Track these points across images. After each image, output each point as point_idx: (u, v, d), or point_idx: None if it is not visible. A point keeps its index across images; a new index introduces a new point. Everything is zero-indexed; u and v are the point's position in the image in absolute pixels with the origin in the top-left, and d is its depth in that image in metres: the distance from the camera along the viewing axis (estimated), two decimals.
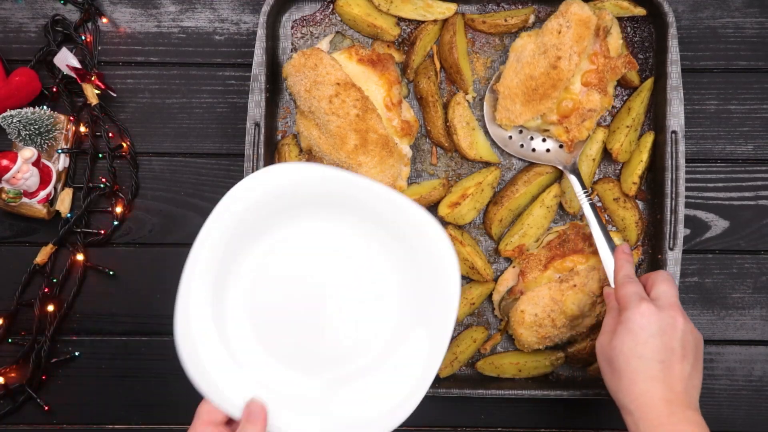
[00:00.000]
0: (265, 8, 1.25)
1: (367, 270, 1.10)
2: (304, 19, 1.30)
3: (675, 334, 1.05)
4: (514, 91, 1.20)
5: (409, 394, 1.06)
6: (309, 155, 1.27)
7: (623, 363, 1.05)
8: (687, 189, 1.31)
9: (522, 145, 1.26)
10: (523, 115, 1.20)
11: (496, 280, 1.29)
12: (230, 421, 1.07)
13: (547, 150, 1.25)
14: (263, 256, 1.09)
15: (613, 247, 1.19)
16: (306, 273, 1.09)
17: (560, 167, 1.24)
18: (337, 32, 1.30)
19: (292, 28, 1.30)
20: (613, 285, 1.17)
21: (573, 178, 1.23)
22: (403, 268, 1.09)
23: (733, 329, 1.32)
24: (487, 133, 1.29)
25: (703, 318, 1.32)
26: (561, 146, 1.25)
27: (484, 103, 1.27)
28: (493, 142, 1.28)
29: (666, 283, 1.11)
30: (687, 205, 1.31)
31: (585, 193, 1.22)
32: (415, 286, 1.09)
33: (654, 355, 1.04)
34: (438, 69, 1.28)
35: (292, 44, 1.30)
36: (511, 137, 1.26)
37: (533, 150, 1.26)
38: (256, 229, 1.07)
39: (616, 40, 1.22)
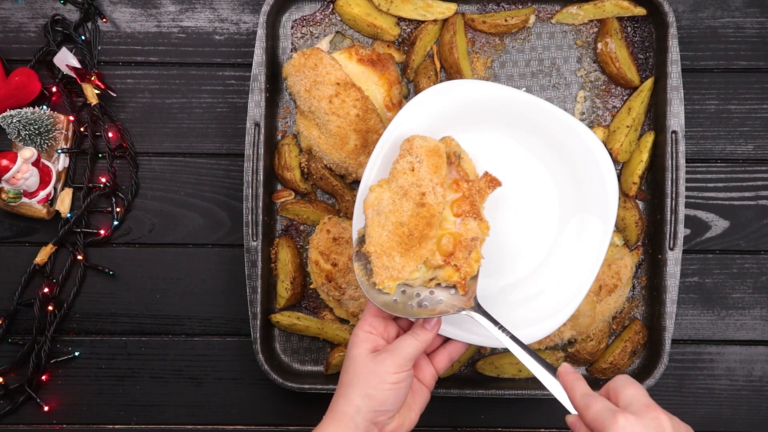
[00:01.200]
0: (265, 8, 1.25)
1: (533, 180, 1.17)
2: (304, 19, 1.30)
3: None
4: (387, 245, 1.04)
5: (575, 291, 1.14)
6: (309, 155, 1.27)
7: None
8: (687, 189, 1.31)
9: (411, 305, 1.07)
10: (406, 266, 1.04)
11: None
12: (396, 318, 1.11)
13: (440, 300, 1.07)
14: None
15: (553, 372, 1.02)
16: None
17: (463, 312, 1.06)
18: (337, 32, 1.30)
19: (292, 27, 1.30)
20: (573, 411, 0.99)
21: (480, 318, 1.06)
22: (563, 178, 1.16)
23: (734, 329, 1.32)
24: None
25: (703, 318, 1.32)
26: (453, 290, 1.08)
27: (356, 275, 1.08)
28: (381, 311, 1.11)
29: (632, 387, 0.98)
30: (687, 205, 1.31)
31: (499, 328, 1.06)
32: (575, 192, 1.16)
33: None
34: (438, 69, 1.28)
35: (292, 44, 1.30)
36: (396, 300, 1.07)
37: (425, 305, 1.07)
38: (436, 132, 1.13)
39: (468, 163, 1.13)
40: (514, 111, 1.14)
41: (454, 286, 1.07)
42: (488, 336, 1.10)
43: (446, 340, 1.14)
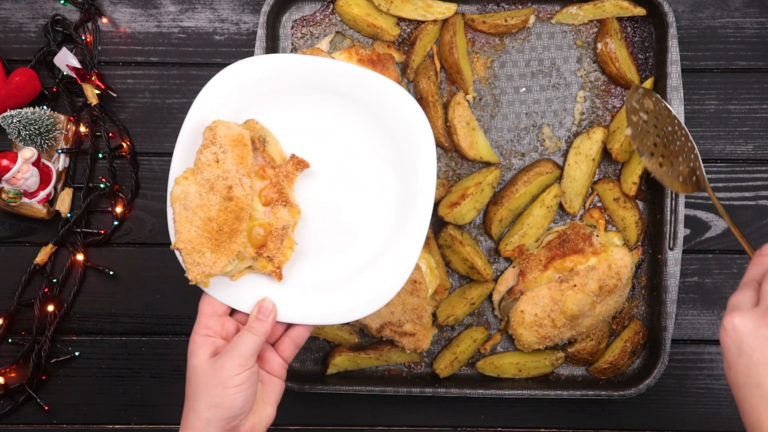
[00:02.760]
0: (265, 8, 1.25)
1: (358, 151, 1.10)
2: (304, 19, 1.30)
3: None
4: (197, 241, 1.02)
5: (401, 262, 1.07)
6: None
7: (755, 379, 0.85)
8: None
9: None
10: (218, 262, 1.02)
11: (495, 280, 1.29)
12: (233, 311, 1.08)
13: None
14: None
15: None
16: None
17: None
18: (337, 32, 1.30)
19: (292, 28, 1.30)
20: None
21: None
22: (382, 142, 1.09)
23: None
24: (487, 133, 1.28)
25: (703, 318, 1.32)
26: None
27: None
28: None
29: None
30: (687, 205, 1.31)
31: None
32: (394, 152, 1.09)
33: None
34: (438, 69, 1.29)
35: (292, 44, 1.30)
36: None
37: None
38: (240, 113, 1.08)
39: (275, 146, 1.09)
40: (320, 80, 1.08)
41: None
42: (328, 315, 1.07)
43: (289, 326, 1.09)
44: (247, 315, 1.07)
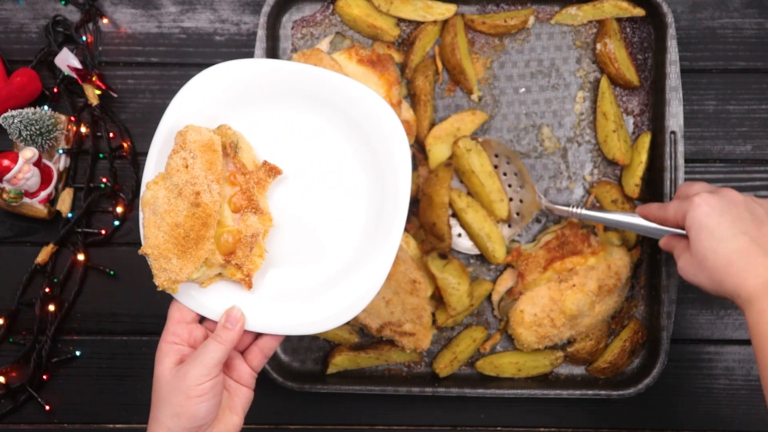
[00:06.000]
0: (266, 9, 1.26)
1: (335, 158, 1.08)
2: (304, 20, 1.31)
3: (738, 206, 1.04)
4: (164, 246, 1.01)
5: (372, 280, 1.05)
6: None
7: (712, 257, 1.03)
8: None
9: None
10: (184, 268, 1.01)
11: (494, 281, 1.29)
12: (203, 319, 1.06)
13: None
14: None
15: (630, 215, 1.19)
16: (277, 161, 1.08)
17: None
18: (337, 33, 1.30)
19: (293, 28, 1.31)
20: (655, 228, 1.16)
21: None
22: (359, 150, 1.07)
23: (732, 329, 1.32)
24: None
25: (702, 318, 1.32)
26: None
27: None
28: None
29: (696, 183, 1.11)
30: None
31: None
32: (374, 171, 1.07)
33: (732, 230, 1.02)
34: (441, 70, 1.29)
35: (292, 45, 1.31)
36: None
37: None
38: (216, 117, 1.07)
39: (248, 152, 1.08)
40: (297, 85, 1.06)
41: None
42: (297, 325, 1.05)
43: (258, 335, 1.07)
44: (216, 323, 1.04)
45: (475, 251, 1.28)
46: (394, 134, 1.05)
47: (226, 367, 1.05)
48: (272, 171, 1.06)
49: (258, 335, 1.07)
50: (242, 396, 1.06)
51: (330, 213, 1.08)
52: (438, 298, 1.28)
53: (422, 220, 1.25)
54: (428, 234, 1.25)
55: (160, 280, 1.01)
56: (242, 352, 1.07)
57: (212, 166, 1.02)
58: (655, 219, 1.15)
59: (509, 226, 1.27)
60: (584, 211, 1.21)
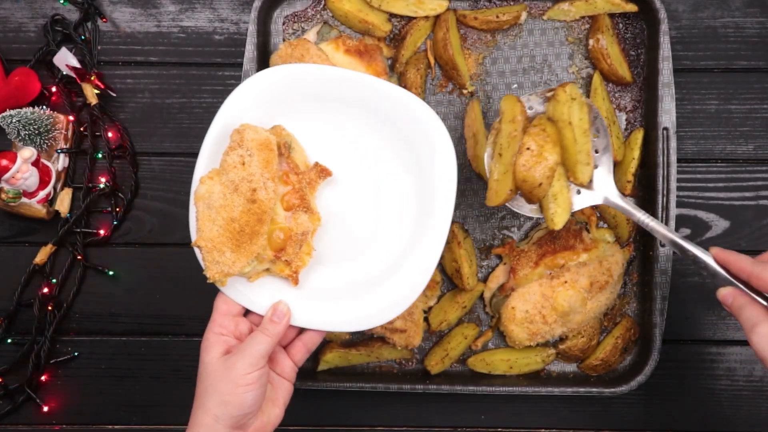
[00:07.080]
0: (257, 4, 1.26)
1: (378, 161, 1.12)
2: (296, 15, 1.30)
3: None
4: (218, 240, 1.05)
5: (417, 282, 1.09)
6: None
7: None
8: (687, 189, 1.31)
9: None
10: (237, 262, 1.05)
11: (484, 280, 1.29)
12: (248, 312, 1.11)
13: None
14: None
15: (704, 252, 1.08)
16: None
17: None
18: (325, 23, 1.29)
19: (284, 24, 1.31)
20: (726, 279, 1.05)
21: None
22: (404, 155, 1.11)
23: (734, 330, 1.31)
24: None
25: (703, 319, 1.32)
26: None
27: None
28: None
29: None
30: (687, 205, 1.31)
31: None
32: (416, 167, 1.11)
33: None
34: (433, 64, 1.28)
35: (284, 40, 1.30)
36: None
37: None
38: (266, 118, 1.10)
39: (300, 153, 1.12)
40: (347, 91, 1.10)
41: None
42: (341, 321, 1.10)
43: (302, 330, 1.13)
44: (261, 317, 1.09)
45: (534, 214, 1.17)
46: (438, 140, 1.08)
47: (270, 360, 1.08)
48: (323, 172, 1.10)
49: (301, 330, 1.12)
50: (284, 389, 1.10)
51: (374, 215, 1.12)
52: (429, 297, 1.27)
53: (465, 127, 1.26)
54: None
55: (212, 272, 1.05)
56: (285, 347, 1.12)
57: (268, 164, 1.06)
58: (742, 272, 1.02)
59: (578, 192, 1.15)
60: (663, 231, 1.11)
